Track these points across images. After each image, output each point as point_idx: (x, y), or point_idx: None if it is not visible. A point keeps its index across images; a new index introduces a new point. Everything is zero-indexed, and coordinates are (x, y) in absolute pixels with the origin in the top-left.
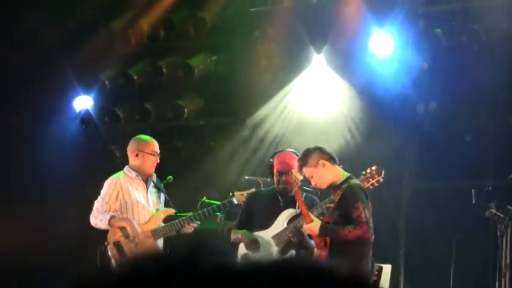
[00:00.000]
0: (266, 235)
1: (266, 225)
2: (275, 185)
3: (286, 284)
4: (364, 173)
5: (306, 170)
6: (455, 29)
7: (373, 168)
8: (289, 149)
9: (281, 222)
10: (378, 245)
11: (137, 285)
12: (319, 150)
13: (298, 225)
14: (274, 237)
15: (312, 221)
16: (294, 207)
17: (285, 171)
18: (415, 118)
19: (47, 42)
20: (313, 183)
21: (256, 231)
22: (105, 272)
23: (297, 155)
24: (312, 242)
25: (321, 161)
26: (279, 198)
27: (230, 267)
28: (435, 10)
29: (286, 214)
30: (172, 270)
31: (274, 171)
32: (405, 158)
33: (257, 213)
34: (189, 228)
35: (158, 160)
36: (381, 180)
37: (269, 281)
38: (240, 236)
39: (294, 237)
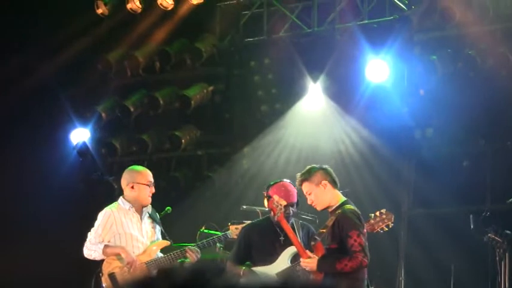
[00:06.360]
0: (270, 271)
1: (268, 260)
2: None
3: None
4: (372, 215)
5: (306, 185)
6: (450, 55)
7: (383, 211)
8: (284, 179)
9: (286, 259)
10: (377, 270)
11: None
12: (324, 170)
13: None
14: (279, 274)
15: (308, 256)
16: None
17: (294, 203)
18: (413, 144)
19: (43, 75)
20: (309, 201)
21: (257, 266)
22: None
23: (293, 184)
24: None
25: (324, 182)
26: (278, 231)
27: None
28: (430, 37)
29: (290, 252)
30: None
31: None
32: (403, 184)
33: (256, 247)
34: (193, 258)
35: (153, 190)
36: (391, 225)
37: None
38: (242, 271)
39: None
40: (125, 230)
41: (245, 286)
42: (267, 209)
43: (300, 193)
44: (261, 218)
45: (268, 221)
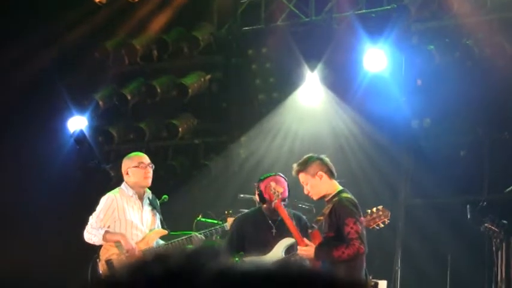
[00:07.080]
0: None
1: (261, 252)
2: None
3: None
4: (369, 211)
5: (302, 176)
6: (448, 45)
7: (379, 208)
8: (277, 173)
9: (280, 251)
10: (374, 261)
11: None
12: (321, 161)
13: (298, 256)
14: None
15: (306, 244)
16: (287, 234)
17: (285, 198)
18: (410, 134)
19: (41, 63)
20: (305, 191)
21: (251, 256)
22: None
23: (285, 179)
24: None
25: (319, 173)
26: (270, 223)
27: (232, 270)
28: (428, 27)
29: (285, 244)
30: (176, 273)
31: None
32: (400, 174)
33: (249, 238)
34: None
35: (150, 170)
36: (387, 222)
37: (273, 285)
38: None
39: None
40: (126, 216)
41: (241, 269)
42: None
43: (297, 182)
44: (254, 208)
45: (260, 212)
